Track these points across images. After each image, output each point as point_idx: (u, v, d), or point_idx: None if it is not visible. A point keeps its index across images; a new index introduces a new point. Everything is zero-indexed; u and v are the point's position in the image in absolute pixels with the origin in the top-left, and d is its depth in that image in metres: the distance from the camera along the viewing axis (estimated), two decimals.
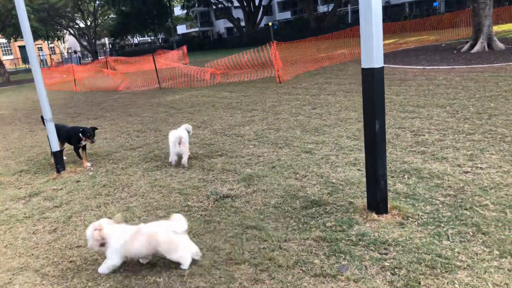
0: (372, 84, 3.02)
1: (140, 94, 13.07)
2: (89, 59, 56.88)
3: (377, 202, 3.22)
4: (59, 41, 62.36)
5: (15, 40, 52.96)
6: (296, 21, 43.27)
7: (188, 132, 5.42)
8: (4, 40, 53.86)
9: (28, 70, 40.89)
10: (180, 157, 5.11)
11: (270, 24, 10.84)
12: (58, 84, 20.01)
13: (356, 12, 48.04)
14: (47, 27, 50.64)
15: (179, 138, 4.96)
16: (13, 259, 3.29)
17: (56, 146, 5.39)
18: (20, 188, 5.06)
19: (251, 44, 44.94)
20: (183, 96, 11.21)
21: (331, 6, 44.48)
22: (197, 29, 68.40)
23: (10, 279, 3.01)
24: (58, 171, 5.44)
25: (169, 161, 5.21)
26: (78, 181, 4.99)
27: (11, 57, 65.58)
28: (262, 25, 50.90)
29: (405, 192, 3.61)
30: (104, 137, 7.30)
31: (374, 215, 3.21)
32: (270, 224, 3.33)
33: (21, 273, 3.06)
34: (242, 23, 51.45)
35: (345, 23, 38.49)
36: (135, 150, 6.21)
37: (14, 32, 38.56)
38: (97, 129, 5.84)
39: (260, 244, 3.04)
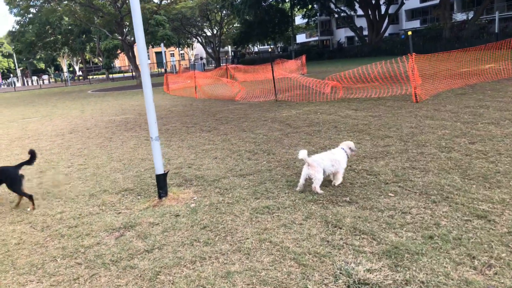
0: None
1: (255, 106, 12.48)
2: (213, 65, 60.48)
3: None
4: (188, 48, 67.79)
5: (152, 47, 58.86)
6: (428, 30, 39.21)
7: (351, 150, 4.87)
8: None
9: (160, 75, 44.92)
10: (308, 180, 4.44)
11: (409, 33, 9.12)
12: (181, 89, 20.92)
13: (506, 20, 41.73)
14: (179, 35, 55.25)
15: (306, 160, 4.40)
16: None
17: (160, 168, 4.77)
18: (119, 213, 4.53)
19: (373, 54, 42.31)
20: (300, 112, 10.19)
21: (470, 14, 39.35)
22: (316, 38, 67.70)
23: None
24: (160, 197, 4.81)
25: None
26: (177, 215, 4.25)
27: (148, 61, 73.49)
28: (386, 34, 47.71)
29: None
30: (215, 156, 6.62)
31: None
32: None
33: None
34: (365, 32, 48.95)
35: (489, 32, 33.42)
36: (244, 177, 5.32)
37: (152, 40, 42.68)
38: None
39: None
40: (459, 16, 41.87)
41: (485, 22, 40.35)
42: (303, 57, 25.54)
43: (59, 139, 9.66)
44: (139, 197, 5.03)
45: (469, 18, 37.25)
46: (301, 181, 4.55)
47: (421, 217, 3.62)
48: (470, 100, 9.13)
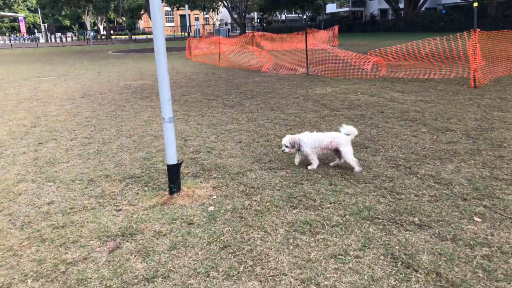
0: None
1: (284, 79, 11.28)
2: (237, 32, 58.51)
3: None
4: (213, 12, 65.66)
5: (177, 9, 57.20)
6: (470, 5, 36.20)
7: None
8: (168, 8, 58.66)
9: (184, 38, 43.57)
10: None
11: (475, 4, 7.68)
12: (204, 55, 19.75)
13: None
14: None
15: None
16: None
17: (173, 157, 3.79)
18: (119, 210, 3.61)
19: (409, 29, 39.70)
20: (337, 90, 8.98)
21: None
22: (347, 8, 64.38)
23: None
24: (171, 192, 3.86)
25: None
26: (191, 223, 3.29)
27: (172, 24, 71.97)
28: (423, 8, 44.62)
29: None
30: (239, 139, 5.61)
31: None
32: None
33: None
34: (400, 5, 45.92)
35: None
36: (275, 173, 4.30)
37: (176, 0, 41.09)
38: None
39: None
40: None
41: None
42: (336, 28, 23.81)
43: (68, 104, 8.80)
44: (146, 188, 4.09)
45: None
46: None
47: None
48: None
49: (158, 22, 3.50)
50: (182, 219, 3.37)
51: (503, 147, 4.70)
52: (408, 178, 3.96)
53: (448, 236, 2.90)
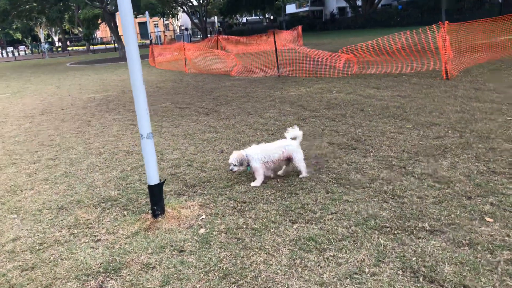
0: None
1: (256, 82, 11.02)
2: (199, 37, 57.90)
3: None
4: (173, 18, 64.70)
5: (135, 17, 55.66)
6: (425, 0, 37.52)
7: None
8: None
9: (145, 46, 42.50)
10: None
11: None
12: (168, 62, 19.19)
13: None
14: (163, 4, 52.31)
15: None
16: None
17: (154, 177, 3.42)
18: (98, 241, 3.19)
19: (368, 26, 40.54)
20: (311, 90, 8.81)
21: None
22: (307, 8, 65.18)
23: None
24: (155, 215, 3.48)
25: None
26: (182, 251, 2.93)
27: (134, 32, 70.17)
28: (379, 5, 45.81)
29: None
30: (220, 149, 5.27)
31: None
32: None
33: None
34: (358, 3, 46.95)
35: (491, 3, 31.93)
36: (266, 183, 4.00)
37: (134, 9, 39.94)
38: None
39: None
40: None
41: None
42: (299, 28, 23.83)
43: (27, 122, 8.13)
44: (125, 212, 3.68)
45: None
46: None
47: None
48: (510, 77, 7.89)
49: (130, 29, 3.13)
50: (172, 246, 3.00)
51: (491, 139, 4.63)
52: (406, 179, 3.78)
53: (464, 241, 2.71)
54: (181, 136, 6.10)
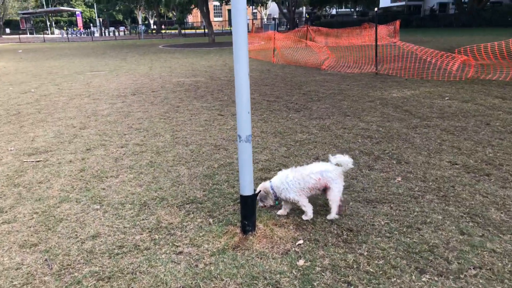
0: None
1: (350, 78, 10.14)
2: (285, 27, 57.30)
3: None
4: (262, 6, 64.85)
5: (226, 4, 57.03)
6: None
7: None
8: (217, 3, 58.62)
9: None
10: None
11: None
12: (255, 51, 18.89)
13: None
14: None
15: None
16: None
17: (249, 186, 2.90)
18: (179, 253, 2.78)
19: (474, 24, 36.58)
20: (417, 93, 7.75)
21: None
22: (403, 3, 61.01)
23: None
24: (245, 232, 2.98)
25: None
26: (277, 283, 2.38)
27: (220, 19, 72.11)
28: (488, 3, 41.03)
29: None
30: (315, 154, 4.64)
31: None
32: None
33: None
34: None
35: None
36: (375, 207, 3.29)
37: None
38: None
39: None
40: None
41: None
42: (397, 23, 22.05)
43: (119, 102, 8.24)
44: (211, 220, 3.24)
45: None
46: None
47: None
48: None
49: (241, 14, 2.60)
50: (265, 278, 2.47)
51: None
52: None
53: None
54: (271, 134, 5.57)
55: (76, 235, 3.07)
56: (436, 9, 50.57)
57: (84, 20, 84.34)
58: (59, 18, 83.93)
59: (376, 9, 10.41)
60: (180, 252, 2.81)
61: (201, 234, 3.02)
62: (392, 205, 3.33)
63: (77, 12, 69.48)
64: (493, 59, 8.82)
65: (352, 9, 65.78)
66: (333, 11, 72.78)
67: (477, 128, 5.30)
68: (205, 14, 33.50)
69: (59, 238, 3.03)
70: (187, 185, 3.95)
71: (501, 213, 3.11)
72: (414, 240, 2.79)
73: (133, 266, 2.65)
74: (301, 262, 2.62)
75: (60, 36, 56.81)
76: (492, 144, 4.67)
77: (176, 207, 3.49)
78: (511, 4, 38.42)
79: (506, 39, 9.30)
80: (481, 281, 2.34)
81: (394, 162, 4.29)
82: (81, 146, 5.26)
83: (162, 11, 78.25)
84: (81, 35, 61.56)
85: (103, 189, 3.91)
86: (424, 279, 2.38)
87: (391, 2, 63.16)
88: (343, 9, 70.88)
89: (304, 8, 71.48)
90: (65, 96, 9.14)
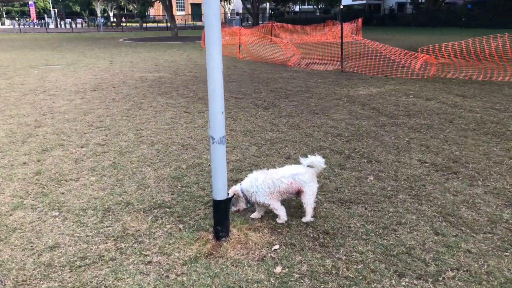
0: None
1: (316, 75, 10.17)
2: (249, 22, 57.10)
3: None
4: (225, 1, 64.26)
5: None
6: (500, 1, 34.53)
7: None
8: None
9: (197, 27, 42.33)
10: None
11: None
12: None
13: None
14: None
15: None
16: None
17: (222, 190, 2.75)
18: (148, 263, 2.59)
19: (430, 24, 38.09)
20: (383, 91, 7.87)
21: None
22: (363, 1, 62.54)
23: None
24: (218, 238, 2.83)
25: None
26: None
27: (183, 13, 70.78)
28: (443, 4, 42.88)
29: None
30: (286, 154, 4.55)
31: None
32: None
33: None
34: None
35: None
36: (349, 208, 3.25)
37: None
38: None
39: None
40: None
41: None
42: (359, 21, 22.48)
43: (78, 98, 7.79)
44: (181, 226, 3.06)
45: None
46: None
47: None
48: None
49: (214, 9, 2.43)
50: (241, 286, 2.33)
51: None
52: None
53: None
54: (240, 132, 5.43)
55: (32, 246, 2.80)
56: (395, 8, 52.25)
57: (38, 10, 79.98)
58: (10, 8, 79.23)
59: (341, 6, 10.48)
60: (149, 262, 2.62)
61: (171, 242, 2.84)
62: (366, 206, 3.29)
63: (30, 2, 65.77)
64: (453, 58, 9.13)
65: (315, 6, 66.65)
66: (297, 8, 73.44)
67: (442, 126, 5.42)
68: (168, 8, 32.70)
69: (13, 250, 2.75)
70: (154, 188, 3.73)
71: (472, 211, 3.15)
72: (391, 242, 2.76)
73: (97, 279, 2.43)
74: (278, 269, 2.51)
75: (12, 27, 53.59)
76: (458, 142, 4.78)
77: (143, 212, 3.28)
78: (465, 5, 40.33)
79: (461, 39, 9.67)
80: (459, 283, 2.33)
81: (365, 161, 4.28)
82: (37, 147, 4.88)
83: (122, 3, 75.68)
84: (34, 26, 58.39)
85: (62, 193, 3.62)
86: (403, 283, 2.34)
87: (352, 1, 64.58)
88: (306, 6, 71.74)
89: (268, 4, 71.58)
90: (18, 91, 8.54)
